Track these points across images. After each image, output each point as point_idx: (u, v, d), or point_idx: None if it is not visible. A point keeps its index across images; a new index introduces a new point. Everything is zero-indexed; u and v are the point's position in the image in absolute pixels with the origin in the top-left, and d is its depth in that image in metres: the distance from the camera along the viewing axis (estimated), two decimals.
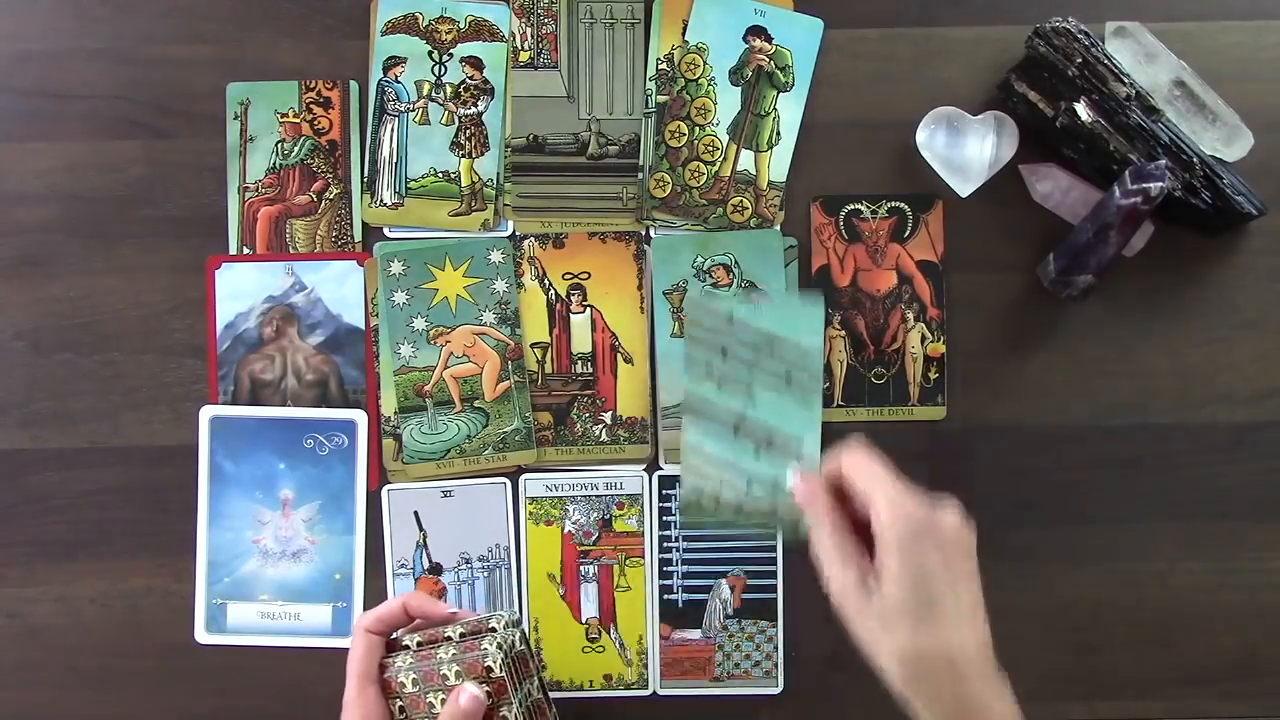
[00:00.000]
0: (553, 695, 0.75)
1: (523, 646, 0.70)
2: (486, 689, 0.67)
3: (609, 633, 0.85)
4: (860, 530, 0.63)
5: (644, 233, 0.85)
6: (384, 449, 0.85)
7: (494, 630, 0.69)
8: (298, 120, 0.85)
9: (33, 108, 0.86)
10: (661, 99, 0.85)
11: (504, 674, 0.67)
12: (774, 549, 0.84)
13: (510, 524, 0.85)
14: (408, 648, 0.70)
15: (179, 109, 0.85)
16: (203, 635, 0.85)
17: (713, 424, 0.75)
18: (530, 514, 0.85)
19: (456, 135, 0.85)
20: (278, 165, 0.85)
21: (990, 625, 0.84)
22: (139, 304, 0.85)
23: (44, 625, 0.85)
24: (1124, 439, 0.84)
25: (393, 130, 0.85)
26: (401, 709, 0.69)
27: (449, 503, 0.85)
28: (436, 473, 0.84)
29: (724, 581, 0.84)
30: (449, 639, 0.69)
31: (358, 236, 0.85)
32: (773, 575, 0.84)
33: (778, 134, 0.85)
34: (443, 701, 0.67)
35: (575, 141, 0.85)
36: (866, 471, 0.63)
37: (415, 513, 0.85)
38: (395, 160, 0.85)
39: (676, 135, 0.85)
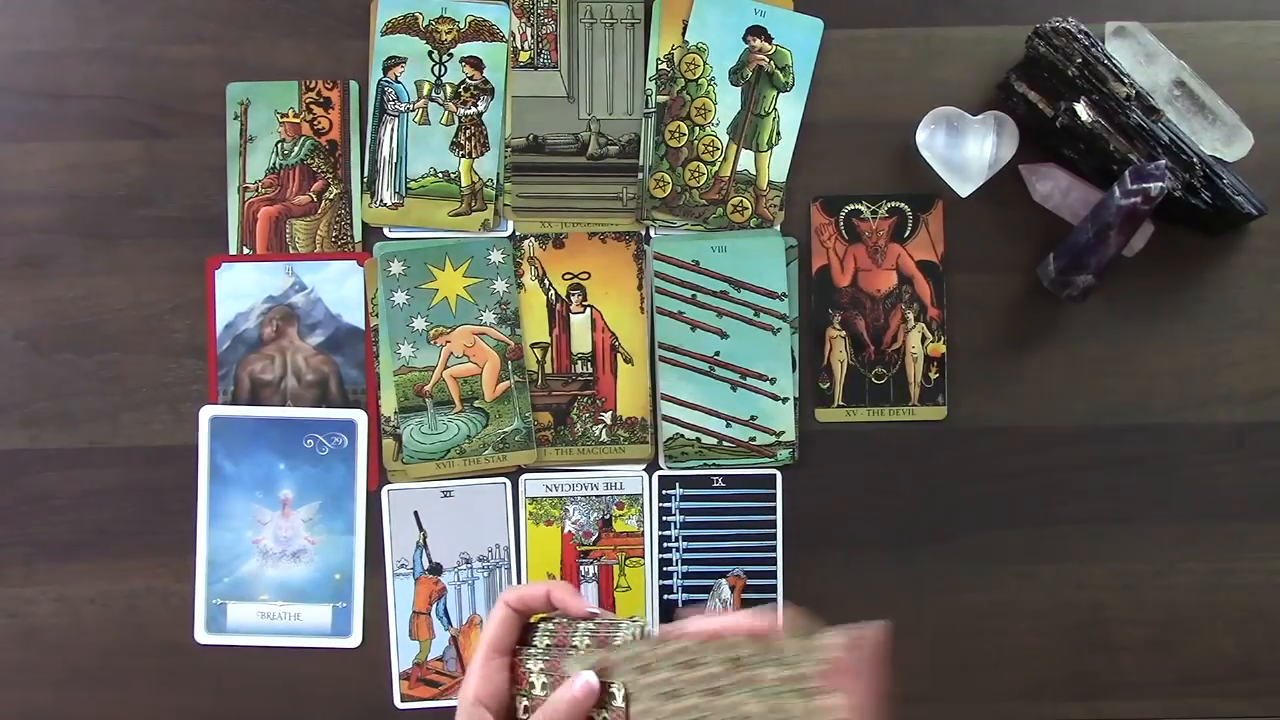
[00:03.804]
0: None
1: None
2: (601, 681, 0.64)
3: None
4: None
5: (644, 233, 0.85)
6: (384, 449, 0.85)
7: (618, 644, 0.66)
8: (298, 120, 0.85)
9: (33, 108, 0.86)
10: (661, 99, 0.85)
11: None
12: (774, 549, 0.84)
13: (510, 524, 0.85)
14: (537, 649, 0.67)
15: (179, 109, 0.85)
16: (203, 635, 0.85)
17: (687, 368, 0.80)
18: (530, 514, 0.85)
19: (456, 135, 0.85)
20: (278, 165, 0.85)
21: (990, 625, 0.85)
22: (139, 304, 0.85)
23: (44, 625, 0.85)
24: (1124, 439, 0.84)
25: (393, 130, 0.85)
26: (526, 708, 0.65)
27: (449, 503, 0.85)
28: (436, 473, 0.84)
29: (724, 581, 0.84)
30: (575, 648, 0.66)
31: (358, 236, 0.85)
32: (773, 575, 0.84)
33: (778, 134, 0.85)
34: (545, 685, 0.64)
35: (575, 141, 0.85)
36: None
37: (415, 513, 0.85)
38: (395, 160, 0.85)
39: (676, 135, 0.85)
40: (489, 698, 0.63)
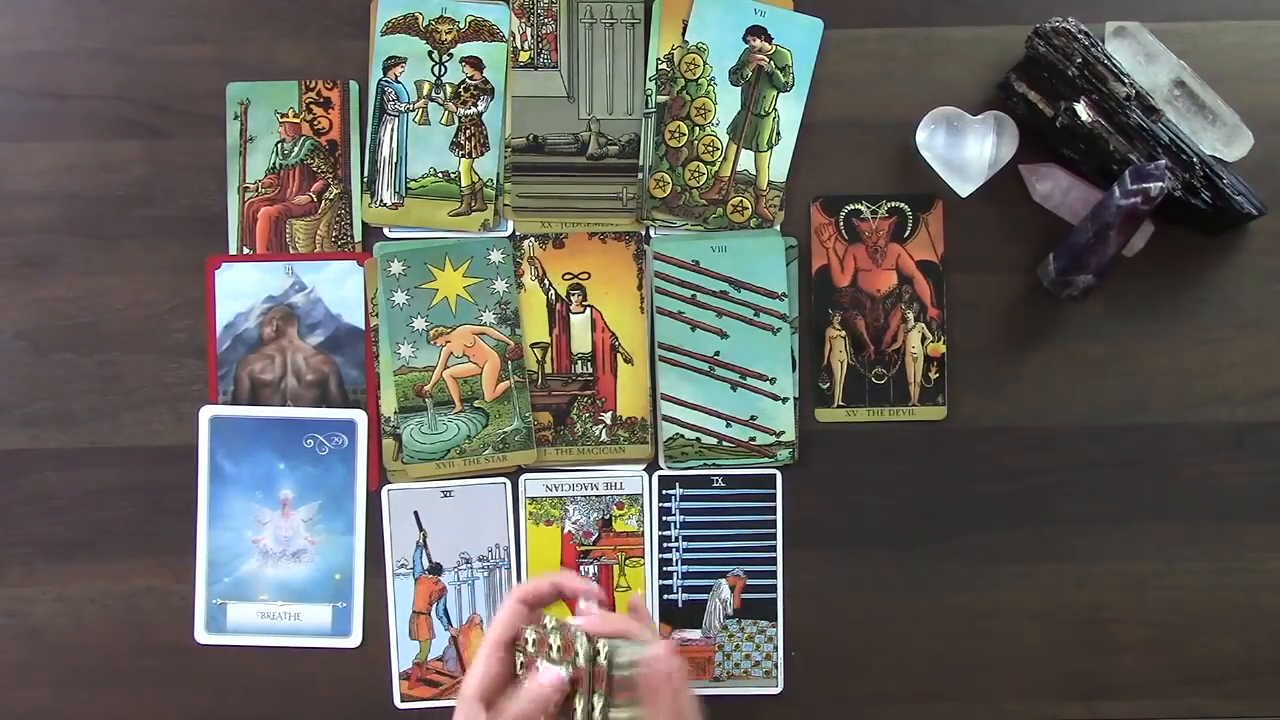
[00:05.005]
0: None
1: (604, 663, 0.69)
2: (569, 674, 0.66)
3: None
4: None
5: (644, 233, 0.85)
6: (384, 449, 0.85)
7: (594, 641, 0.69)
8: (298, 120, 0.85)
9: (33, 108, 0.86)
10: (661, 99, 0.85)
11: (585, 665, 0.66)
12: (774, 549, 0.84)
13: (510, 524, 0.85)
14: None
15: (179, 109, 0.85)
16: (203, 635, 0.85)
17: (687, 368, 0.82)
18: (530, 514, 0.85)
19: (456, 135, 0.85)
20: (278, 165, 0.85)
21: (990, 625, 0.85)
22: (139, 304, 0.85)
23: (44, 625, 0.85)
24: (1124, 439, 0.84)
25: (393, 130, 0.85)
26: (521, 664, 0.68)
27: (449, 503, 0.85)
28: (436, 473, 0.84)
29: (724, 581, 0.84)
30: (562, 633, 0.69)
31: (358, 236, 0.85)
32: (773, 575, 0.84)
33: (778, 134, 0.85)
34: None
35: (575, 141, 0.85)
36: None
37: (415, 513, 0.85)
38: (395, 160, 0.85)
39: (676, 135, 0.85)
40: (490, 692, 0.64)
